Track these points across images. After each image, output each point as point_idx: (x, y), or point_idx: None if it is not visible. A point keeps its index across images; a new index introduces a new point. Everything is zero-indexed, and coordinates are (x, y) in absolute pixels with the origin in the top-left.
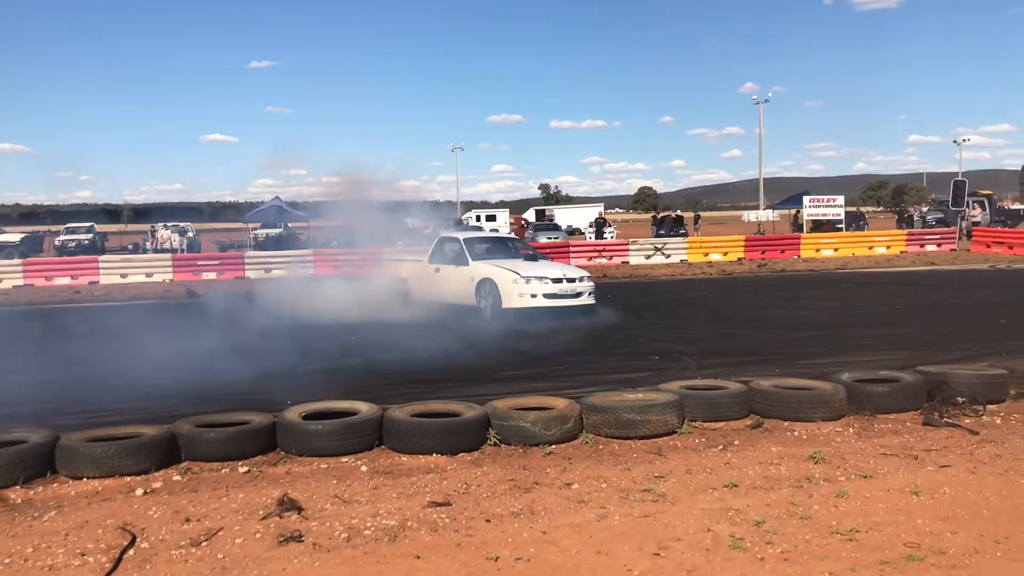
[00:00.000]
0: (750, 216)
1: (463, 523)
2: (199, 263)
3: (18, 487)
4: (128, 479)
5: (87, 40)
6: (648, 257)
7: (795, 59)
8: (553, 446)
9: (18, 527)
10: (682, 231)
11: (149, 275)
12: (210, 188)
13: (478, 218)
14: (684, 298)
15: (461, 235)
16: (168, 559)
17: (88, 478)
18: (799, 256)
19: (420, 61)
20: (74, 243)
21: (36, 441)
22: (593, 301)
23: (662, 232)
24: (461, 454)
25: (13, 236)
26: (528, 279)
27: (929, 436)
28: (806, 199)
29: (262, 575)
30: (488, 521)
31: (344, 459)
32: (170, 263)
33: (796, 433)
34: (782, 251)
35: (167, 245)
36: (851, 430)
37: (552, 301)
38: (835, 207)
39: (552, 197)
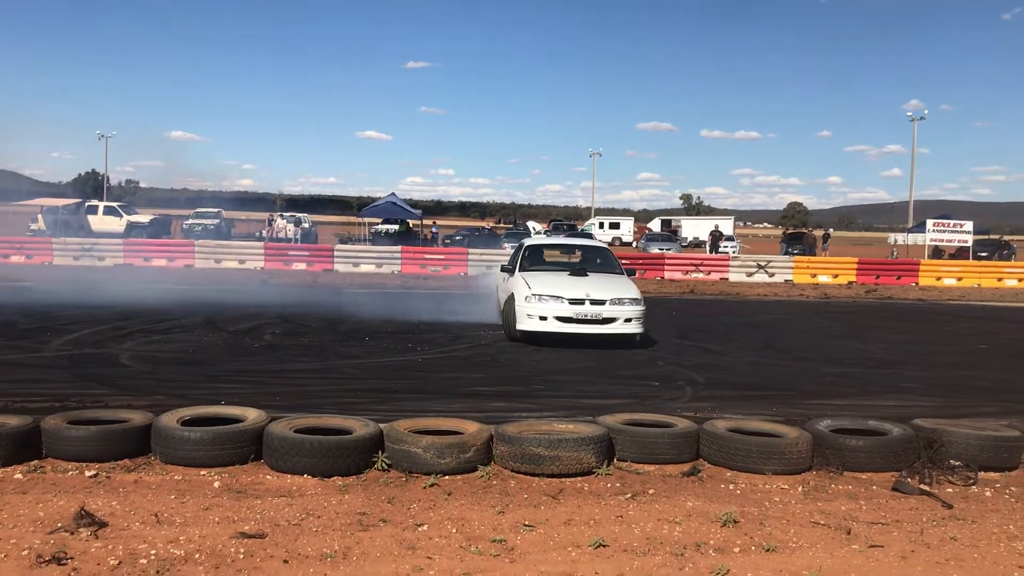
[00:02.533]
0: (898, 238)
1: (256, 561)
2: (290, 253)
3: None
4: None
5: (258, 37)
6: (750, 275)
7: (965, 77)
8: (446, 476)
9: None
10: (798, 249)
11: (242, 262)
12: (361, 183)
13: (601, 225)
14: (749, 321)
15: (530, 241)
16: None
17: None
18: (916, 284)
19: (572, 66)
20: (200, 227)
21: None
22: (633, 330)
23: (792, 250)
24: (336, 478)
25: (143, 217)
26: (540, 297)
27: (890, 505)
28: (929, 223)
29: None
30: (286, 562)
31: (203, 472)
32: (262, 251)
33: (732, 486)
34: (898, 277)
35: (282, 234)
36: (801, 489)
37: (567, 326)
38: (962, 232)
39: (693, 208)
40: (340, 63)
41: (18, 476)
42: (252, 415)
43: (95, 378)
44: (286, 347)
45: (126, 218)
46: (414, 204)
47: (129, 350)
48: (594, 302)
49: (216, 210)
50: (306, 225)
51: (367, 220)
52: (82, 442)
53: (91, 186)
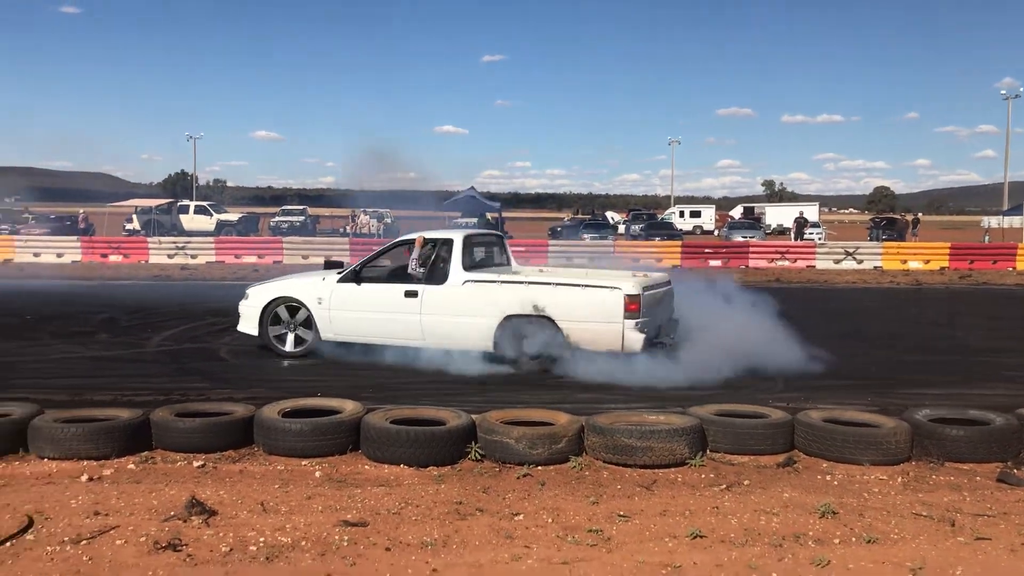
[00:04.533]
0: (991, 222)
1: (360, 548)
2: (374, 248)
3: None
4: (85, 463)
5: (335, 36)
6: (837, 262)
7: None
8: (538, 467)
9: None
10: (887, 235)
11: (328, 256)
12: (439, 177)
13: (681, 213)
14: (838, 309)
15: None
16: (37, 555)
17: (48, 459)
18: (1014, 268)
19: (648, 54)
20: (287, 224)
21: (13, 417)
22: None
23: (881, 235)
24: (431, 467)
25: (232, 215)
26: None
27: (995, 497)
28: None
29: None
30: (388, 550)
31: (304, 462)
32: (348, 247)
33: (829, 477)
34: (994, 262)
35: (365, 230)
36: (900, 480)
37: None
38: None
39: (775, 194)
40: (418, 60)
41: (131, 466)
42: (349, 407)
43: (196, 372)
44: None
45: (216, 216)
46: (491, 197)
47: (227, 345)
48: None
49: (301, 207)
50: (388, 220)
51: (447, 214)
52: (189, 434)
53: (180, 186)
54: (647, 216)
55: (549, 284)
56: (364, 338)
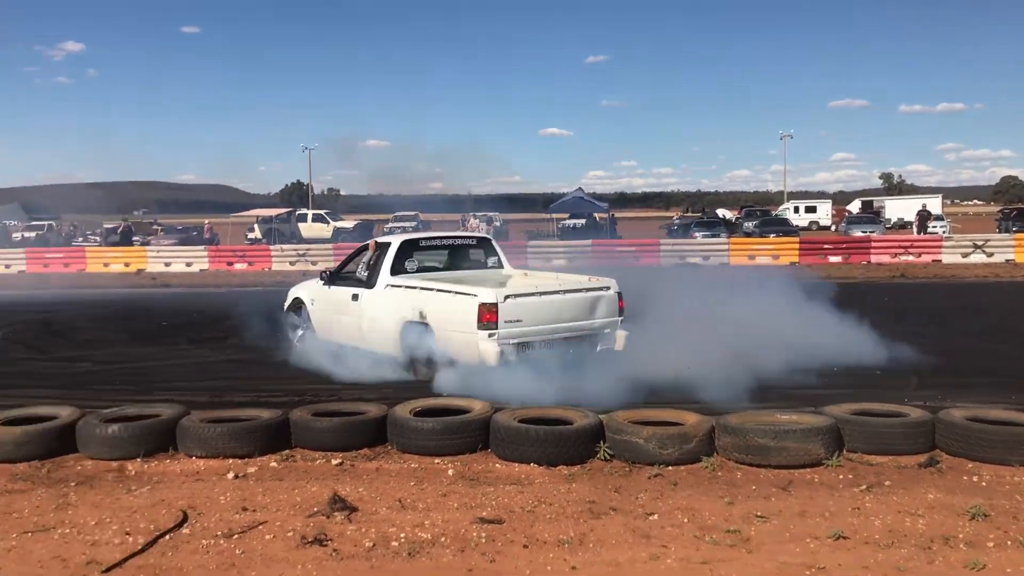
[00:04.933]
0: None
1: (498, 545)
2: None
3: (139, 460)
4: (230, 461)
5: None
6: (965, 255)
7: None
8: (669, 467)
9: (107, 499)
10: (1017, 226)
11: None
12: (545, 180)
13: (796, 209)
14: (970, 304)
15: None
16: (194, 548)
17: (196, 457)
18: None
19: (754, 47)
20: (400, 229)
21: (163, 418)
22: None
23: (1012, 227)
24: (561, 466)
25: (348, 223)
26: None
27: None
28: None
29: (260, 575)
30: (526, 547)
31: (438, 460)
32: None
33: (975, 478)
34: None
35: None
36: None
37: None
38: None
39: (894, 187)
40: (521, 64)
41: (273, 464)
42: (477, 406)
43: (325, 374)
44: None
45: (333, 224)
46: (598, 197)
47: None
48: None
49: (413, 213)
50: (497, 223)
51: (555, 215)
52: (327, 433)
53: (296, 195)
54: (760, 212)
55: (430, 290)
56: (331, 338)
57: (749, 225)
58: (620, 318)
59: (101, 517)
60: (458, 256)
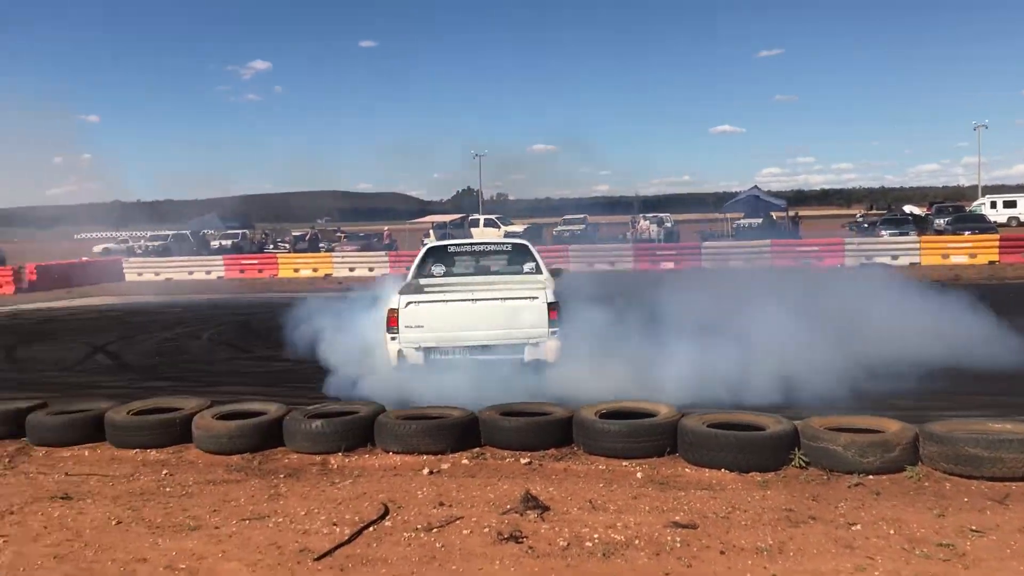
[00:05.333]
0: None
1: (693, 551)
2: (657, 253)
3: (340, 454)
4: (424, 457)
5: (603, 44)
6: None
7: None
8: (869, 476)
9: (313, 490)
10: None
11: (612, 264)
12: (716, 179)
13: (992, 204)
14: None
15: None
16: (396, 540)
17: (393, 452)
18: None
19: (940, 32)
20: (569, 232)
21: (362, 414)
22: None
23: None
24: (753, 473)
25: (518, 227)
26: None
27: None
28: None
29: (460, 569)
30: (722, 553)
31: (626, 463)
32: (631, 252)
33: None
34: None
35: (646, 235)
36: None
37: None
38: None
39: None
40: (689, 61)
41: (465, 461)
42: (664, 410)
43: None
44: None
45: (503, 228)
46: (774, 195)
47: None
48: None
49: (582, 216)
50: (668, 224)
51: (729, 215)
52: (515, 432)
53: (467, 201)
54: (952, 208)
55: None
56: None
57: (941, 222)
58: (552, 329)
59: (309, 508)
60: (488, 261)
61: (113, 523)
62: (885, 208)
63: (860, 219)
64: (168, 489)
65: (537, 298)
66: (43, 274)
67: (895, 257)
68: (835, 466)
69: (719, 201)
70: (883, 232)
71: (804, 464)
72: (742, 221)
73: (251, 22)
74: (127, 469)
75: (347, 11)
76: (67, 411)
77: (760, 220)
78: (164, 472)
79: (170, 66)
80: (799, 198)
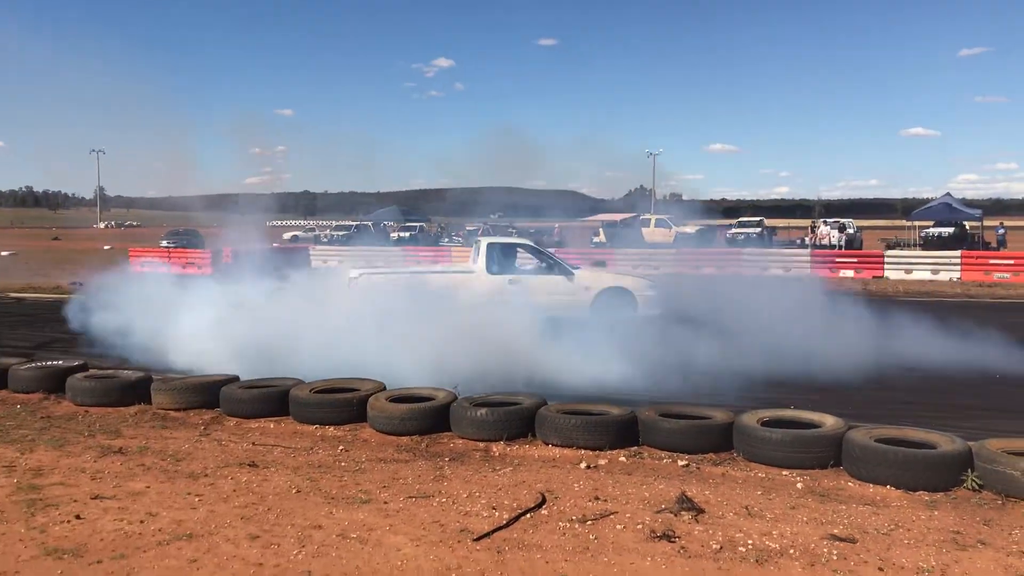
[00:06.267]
0: None
1: (850, 565)
2: (837, 260)
3: (501, 442)
4: (582, 452)
5: (792, 39)
6: None
7: None
8: None
9: (476, 475)
10: None
11: (787, 269)
12: (905, 184)
13: None
14: None
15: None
16: (552, 528)
17: (552, 445)
18: None
19: None
20: (743, 236)
21: (525, 405)
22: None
23: None
24: (921, 492)
25: (690, 228)
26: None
27: None
28: None
29: (612, 562)
30: (880, 570)
31: (786, 472)
32: (808, 258)
33: None
34: None
35: (825, 241)
36: None
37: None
38: None
39: None
40: (884, 59)
41: (622, 459)
42: (829, 421)
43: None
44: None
45: (674, 229)
46: (968, 203)
47: None
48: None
49: (758, 219)
50: (850, 231)
51: (917, 223)
52: (673, 433)
53: (639, 201)
54: None
55: None
56: None
57: None
58: None
59: (471, 491)
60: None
61: (293, 491)
62: None
63: None
64: (343, 464)
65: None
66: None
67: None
68: (1012, 491)
69: (908, 208)
70: None
71: (977, 487)
72: (931, 230)
73: (436, 21)
74: (307, 443)
75: (528, 10)
76: (257, 385)
77: (952, 230)
78: (340, 448)
79: (360, 64)
80: (998, 207)
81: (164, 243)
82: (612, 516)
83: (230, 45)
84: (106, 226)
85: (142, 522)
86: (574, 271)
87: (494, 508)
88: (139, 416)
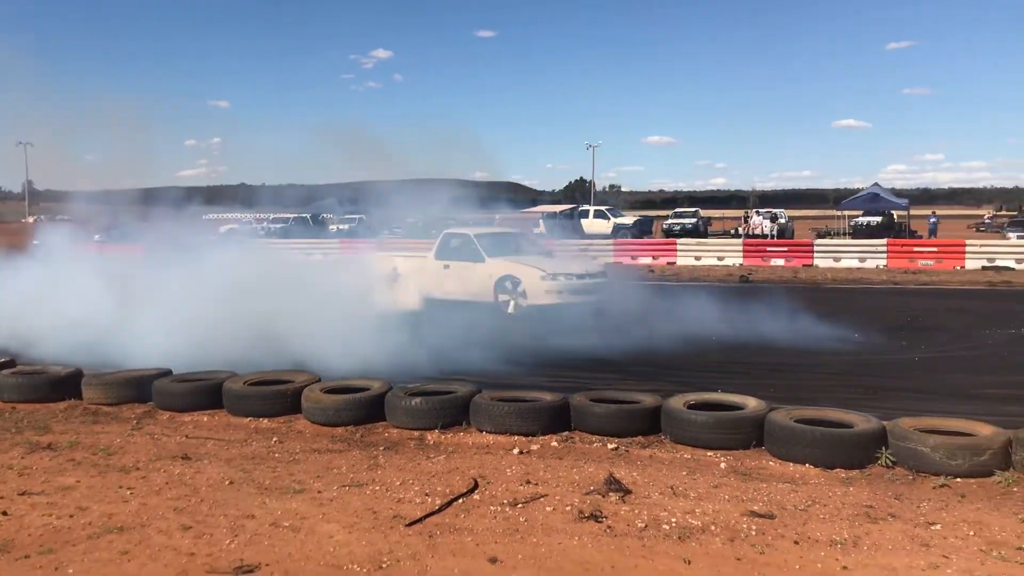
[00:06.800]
0: None
1: (767, 539)
2: (768, 249)
3: (436, 431)
4: (516, 438)
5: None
6: None
7: None
8: (956, 479)
9: (409, 463)
10: None
11: (720, 258)
12: (837, 175)
13: None
14: None
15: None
16: (483, 512)
17: (486, 432)
18: None
19: None
20: (679, 226)
21: (459, 394)
22: (602, 298)
23: None
24: (838, 469)
25: (627, 219)
26: (555, 276)
27: None
28: None
29: (540, 543)
30: (796, 543)
31: (711, 453)
32: (740, 248)
33: None
34: None
35: (758, 231)
36: None
37: (570, 298)
38: None
39: None
40: (816, 52)
41: (554, 444)
42: (751, 403)
43: (603, 365)
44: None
45: (613, 220)
46: (897, 193)
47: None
48: (579, 277)
49: (693, 209)
50: (782, 220)
51: (847, 213)
52: (604, 418)
53: (579, 192)
54: None
55: None
56: None
57: None
58: None
59: (405, 479)
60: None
61: (226, 483)
62: (1017, 208)
63: (988, 220)
64: (277, 455)
65: None
66: None
67: (1021, 261)
68: (922, 467)
69: (840, 198)
70: (1010, 235)
71: (891, 463)
72: (860, 219)
73: (373, 12)
74: (241, 435)
75: (466, 1)
76: (190, 379)
77: (880, 219)
78: (274, 439)
79: (297, 55)
80: (925, 197)
81: (97, 238)
82: (542, 499)
83: (163, 35)
84: (35, 220)
85: (72, 516)
86: (487, 258)
87: (427, 495)
88: (69, 412)
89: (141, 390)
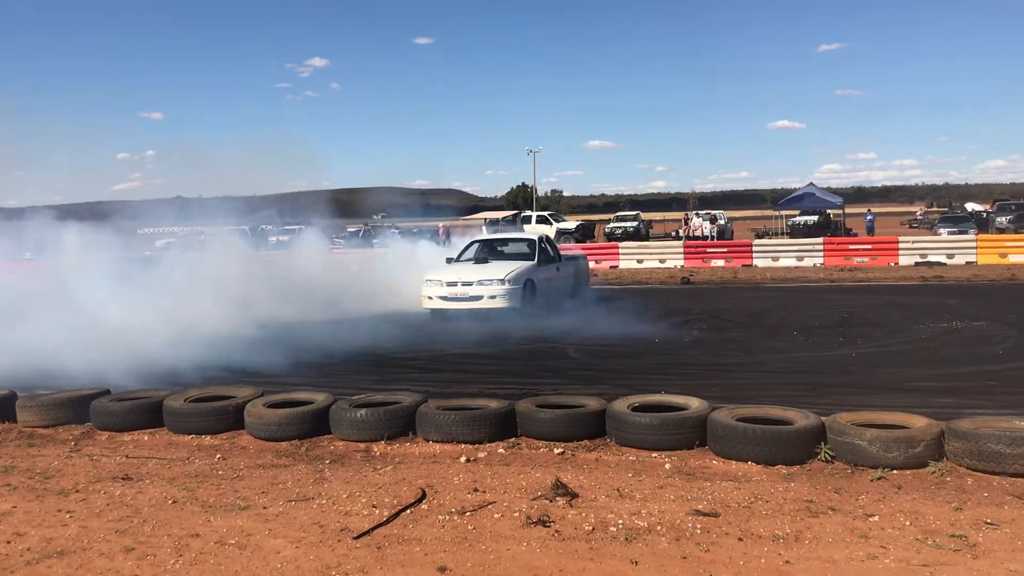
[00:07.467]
0: None
1: (712, 537)
2: (708, 250)
3: (383, 442)
4: (463, 446)
5: (659, 38)
6: None
7: None
8: (893, 471)
9: (356, 475)
10: None
11: (662, 261)
12: (774, 175)
13: None
14: None
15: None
16: (431, 522)
17: (433, 441)
18: None
19: (1002, 26)
20: (621, 230)
21: (404, 404)
22: (498, 304)
23: None
24: (780, 466)
25: (570, 224)
26: (428, 282)
27: None
28: None
29: (488, 549)
30: (740, 540)
31: (656, 454)
32: (681, 250)
33: None
34: None
35: (698, 232)
36: None
37: (445, 303)
38: None
39: None
40: (750, 55)
41: (501, 451)
42: (694, 404)
43: (550, 369)
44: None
45: (556, 225)
46: (832, 192)
47: (574, 344)
48: (464, 284)
49: (634, 213)
50: (721, 222)
51: (784, 212)
52: (549, 423)
53: (521, 197)
54: (1016, 206)
55: None
56: None
57: (1002, 220)
58: None
59: (352, 491)
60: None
61: (169, 502)
62: (947, 205)
63: (920, 217)
64: (221, 472)
65: None
66: None
67: (951, 256)
68: (860, 460)
69: (776, 198)
70: (941, 230)
71: (830, 458)
72: (798, 218)
73: (310, 20)
74: (183, 453)
75: (402, 7)
76: (129, 397)
77: (816, 218)
78: (217, 456)
79: (231, 63)
80: (859, 195)
81: (28, 255)
82: (490, 506)
83: (89, 47)
84: None
85: (8, 542)
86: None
87: (375, 506)
88: (3, 435)
89: (78, 411)
